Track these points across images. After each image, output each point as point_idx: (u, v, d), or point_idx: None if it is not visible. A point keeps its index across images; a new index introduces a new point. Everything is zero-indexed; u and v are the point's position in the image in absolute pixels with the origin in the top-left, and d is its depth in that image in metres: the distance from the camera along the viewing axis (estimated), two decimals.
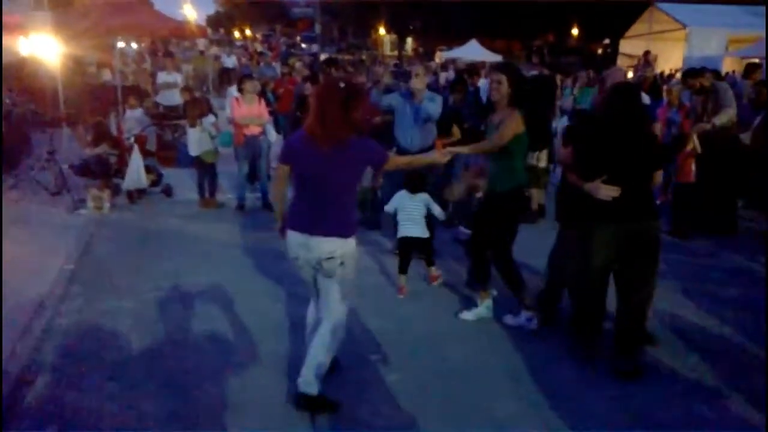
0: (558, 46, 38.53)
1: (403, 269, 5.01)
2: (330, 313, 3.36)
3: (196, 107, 7.65)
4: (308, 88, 7.38)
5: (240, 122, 7.19)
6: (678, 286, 5.19)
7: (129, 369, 3.77)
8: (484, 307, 4.54)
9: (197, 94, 11.30)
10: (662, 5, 22.30)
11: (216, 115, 8.18)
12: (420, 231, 5.00)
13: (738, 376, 3.79)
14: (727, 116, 6.45)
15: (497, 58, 28.14)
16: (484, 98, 7.41)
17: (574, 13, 36.22)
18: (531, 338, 4.26)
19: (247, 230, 6.68)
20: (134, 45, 19.46)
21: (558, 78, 12.03)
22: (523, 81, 4.46)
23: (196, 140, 7.35)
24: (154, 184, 7.87)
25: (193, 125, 7.36)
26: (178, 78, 12.65)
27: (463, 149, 4.40)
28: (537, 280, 4.67)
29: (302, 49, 43.79)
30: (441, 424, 3.32)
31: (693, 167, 6.36)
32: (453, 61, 22.78)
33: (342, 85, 3.21)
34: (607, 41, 34.20)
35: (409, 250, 5.03)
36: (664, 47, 21.32)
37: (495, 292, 4.63)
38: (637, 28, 23.86)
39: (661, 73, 18.40)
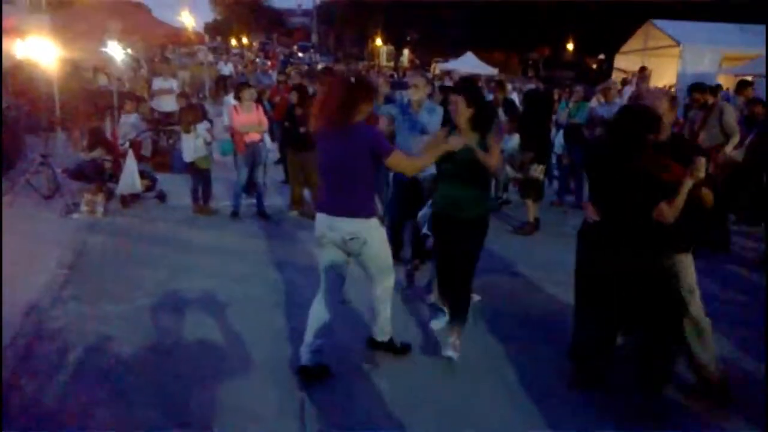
0: (553, 59, 38.75)
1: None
2: (376, 281, 3.76)
3: (191, 113, 7.65)
4: (294, 97, 7.37)
5: (240, 130, 7.20)
6: None
7: (120, 374, 3.74)
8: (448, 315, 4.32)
9: (193, 101, 11.31)
10: (658, 22, 22.49)
11: (211, 122, 8.17)
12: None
13: (734, 388, 3.76)
14: (732, 144, 6.73)
15: (493, 70, 28.33)
16: None
17: (570, 27, 36.55)
18: (524, 344, 4.26)
19: (241, 237, 6.66)
20: (129, 50, 19.39)
21: (555, 92, 12.11)
22: (483, 102, 4.19)
23: (191, 146, 7.35)
24: (149, 189, 7.86)
25: (187, 131, 7.35)
26: (174, 84, 12.68)
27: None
28: (530, 290, 4.66)
29: (299, 58, 43.90)
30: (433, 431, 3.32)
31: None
32: (448, 73, 22.90)
33: (352, 78, 3.50)
34: (602, 56, 34.40)
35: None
36: (659, 63, 21.45)
37: (478, 297, 4.61)
38: (633, 43, 23.99)
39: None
